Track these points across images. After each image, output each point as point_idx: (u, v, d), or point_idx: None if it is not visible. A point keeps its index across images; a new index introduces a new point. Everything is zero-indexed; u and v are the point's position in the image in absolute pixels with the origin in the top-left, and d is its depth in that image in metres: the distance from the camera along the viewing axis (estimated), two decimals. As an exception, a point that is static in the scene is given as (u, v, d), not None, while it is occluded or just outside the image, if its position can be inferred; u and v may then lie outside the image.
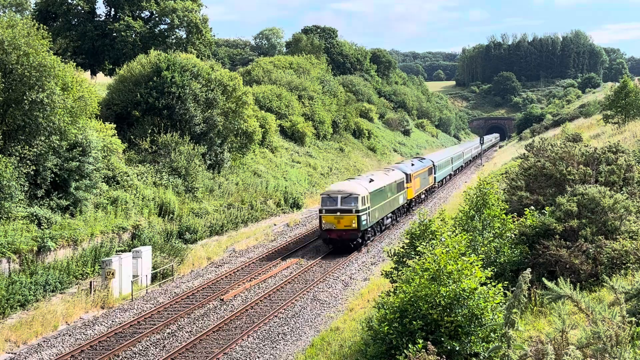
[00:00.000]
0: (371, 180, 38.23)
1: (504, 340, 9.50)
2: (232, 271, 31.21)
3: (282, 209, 45.38)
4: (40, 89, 26.22)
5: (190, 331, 23.21)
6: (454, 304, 13.52)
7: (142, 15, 57.30)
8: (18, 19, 28.92)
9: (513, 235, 20.05)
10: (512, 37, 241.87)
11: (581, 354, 7.99)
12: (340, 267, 32.96)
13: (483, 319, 13.44)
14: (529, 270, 10.62)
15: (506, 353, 9.14)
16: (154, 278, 28.79)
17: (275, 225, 42.00)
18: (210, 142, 41.71)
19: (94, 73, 57.46)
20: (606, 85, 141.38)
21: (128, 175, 33.82)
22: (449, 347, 12.99)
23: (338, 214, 34.25)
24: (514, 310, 9.83)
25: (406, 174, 46.37)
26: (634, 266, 16.94)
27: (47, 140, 27.13)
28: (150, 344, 21.80)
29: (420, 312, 13.73)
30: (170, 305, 25.88)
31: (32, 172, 26.44)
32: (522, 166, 28.72)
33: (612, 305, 9.37)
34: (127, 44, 53.44)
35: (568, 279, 10.22)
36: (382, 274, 21.40)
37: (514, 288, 10.36)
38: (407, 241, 20.22)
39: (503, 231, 20.19)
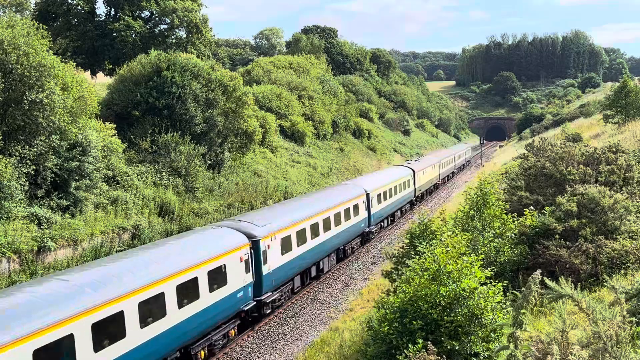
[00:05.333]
0: None
1: (511, 340, 9.50)
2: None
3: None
4: (40, 89, 26.19)
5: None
6: (454, 304, 13.51)
7: (142, 15, 57.22)
8: (18, 19, 28.89)
9: (513, 235, 20.06)
10: (512, 37, 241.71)
11: (587, 354, 7.99)
12: (340, 267, 32.95)
13: (483, 319, 13.44)
14: (539, 271, 10.63)
15: (513, 353, 9.14)
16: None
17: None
18: (210, 142, 41.68)
19: (94, 73, 57.38)
20: (606, 85, 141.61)
21: (128, 175, 33.80)
22: (449, 347, 12.98)
23: None
24: (523, 310, 9.83)
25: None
26: (634, 266, 16.95)
27: (47, 140, 27.11)
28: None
29: (420, 312, 13.73)
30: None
31: (32, 172, 26.42)
32: (522, 166, 28.74)
33: (612, 305, 9.37)
34: (127, 44, 53.39)
35: (569, 279, 10.23)
36: (382, 274, 21.40)
37: (522, 289, 10.36)
38: (407, 241, 20.23)
39: (503, 231, 20.19)
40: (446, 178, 72.75)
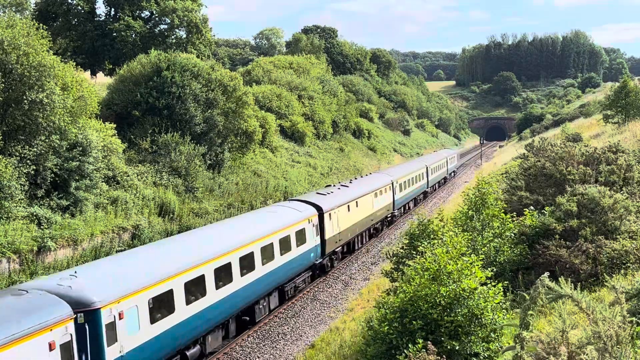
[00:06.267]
0: None
1: (517, 341, 9.52)
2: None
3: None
4: (40, 89, 26.19)
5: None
6: (454, 304, 13.52)
7: (142, 15, 57.22)
8: (18, 19, 28.89)
9: (513, 235, 20.07)
10: (512, 37, 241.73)
11: (598, 355, 7.99)
12: (341, 266, 32.95)
13: (483, 319, 13.44)
14: (547, 273, 10.64)
15: (519, 354, 9.15)
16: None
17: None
18: (210, 142, 41.68)
19: (94, 73, 57.39)
20: (606, 85, 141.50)
21: (128, 175, 33.80)
22: (449, 347, 12.99)
23: None
24: (530, 312, 9.84)
25: None
26: (634, 266, 16.95)
27: (47, 140, 27.11)
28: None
29: (420, 312, 13.73)
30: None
31: (32, 172, 26.41)
32: (522, 166, 28.75)
33: (612, 305, 9.37)
34: (127, 44, 53.39)
35: (569, 279, 10.23)
36: (382, 274, 21.40)
37: (527, 290, 10.37)
38: (407, 241, 20.23)
39: (502, 231, 20.19)
40: (402, 208, 47.81)
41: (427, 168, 56.49)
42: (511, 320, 13.01)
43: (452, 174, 75.77)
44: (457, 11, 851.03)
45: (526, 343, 9.30)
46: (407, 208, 50.01)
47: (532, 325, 10.30)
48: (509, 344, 11.48)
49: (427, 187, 57.15)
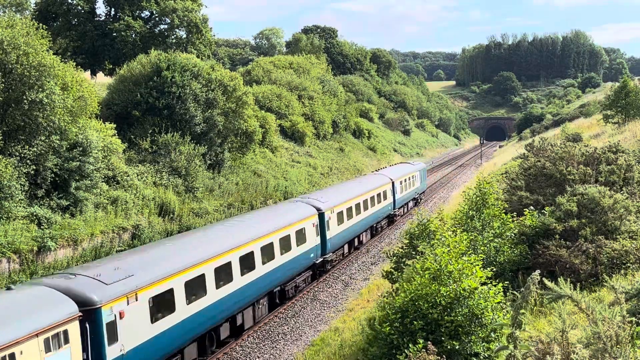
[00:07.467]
0: None
1: (510, 340, 9.51)
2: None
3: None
4: (40, 89, 26.17)
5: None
6: (454, 304, 13.52)
7: (142, 15, 57.17)
8: (18, 19, 28.88)
9: (513, 235, 20.06)
10: (512, 37, 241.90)
11: (587, 353, 7.99)
12: (341, 267, 32.96)
13: (483, 319, 13.44)
14: (537, 272, 10.63)
15: (512, 353, 9.15)
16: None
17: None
18: (210, 142, 41.68)
19: (94, 73, 57.36)
20: (606, 85, 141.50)
21: (128, 175, 33.80)
22: (449, 347, 12.99)
23: None
24: (522, 310, 9.83)
25: None
26: (634, 266, 16.96)
27: (47, 140, 27.10)
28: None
29: (420, 311, 13.74)
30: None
31: (32, 172, 26.41)
32: (522, 166, 28.74)
33: (612, 305, 9.37)
34: (127, 44, 53.36)
35: (568, 279, 10.23)
36: (382, 275, 21.40)
37: (521, 289, 10.36)
38: (406, 241, 20.22)
39: (503, 231, 20.18)
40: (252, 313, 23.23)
41: (327, 220, 29.62)
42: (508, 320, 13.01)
43: (414, 203, 50.27)
44: (457, 11, 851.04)
45: (519, 342, 9.31)
46: (268, 307, 24.65)
47: (525, 324, 10.30)
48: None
49: (319, 257, 29.38)
